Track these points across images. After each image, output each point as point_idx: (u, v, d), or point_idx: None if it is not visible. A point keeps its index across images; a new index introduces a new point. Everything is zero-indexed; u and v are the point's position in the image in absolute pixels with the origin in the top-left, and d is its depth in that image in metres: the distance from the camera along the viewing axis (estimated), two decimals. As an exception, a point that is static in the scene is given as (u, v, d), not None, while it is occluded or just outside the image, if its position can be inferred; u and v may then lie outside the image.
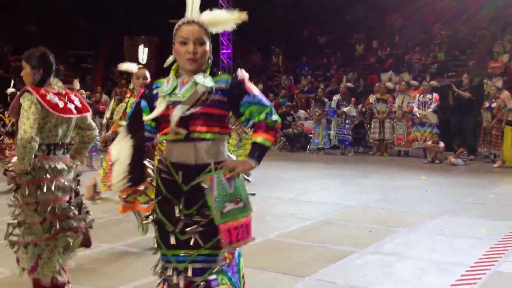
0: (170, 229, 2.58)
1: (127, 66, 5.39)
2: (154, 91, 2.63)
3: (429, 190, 8.34)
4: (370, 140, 13.44)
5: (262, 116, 2.59)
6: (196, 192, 2.56)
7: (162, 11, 25.19)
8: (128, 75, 5.41)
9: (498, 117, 11.10)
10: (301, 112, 15.52)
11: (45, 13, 23.59)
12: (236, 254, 2.76)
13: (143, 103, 2.66)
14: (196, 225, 2.55)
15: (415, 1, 20.04)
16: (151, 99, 2.63)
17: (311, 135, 13.99)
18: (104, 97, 16.76)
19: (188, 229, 2.55)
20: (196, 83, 2.52)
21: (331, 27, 22.11)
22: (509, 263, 4.71)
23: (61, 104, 3.46)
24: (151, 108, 2.62)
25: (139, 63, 5.39)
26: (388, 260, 4.84)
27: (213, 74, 2.60)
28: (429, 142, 11.80)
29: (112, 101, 5.95)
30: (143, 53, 5.64)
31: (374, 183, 9.03)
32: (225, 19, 2.66)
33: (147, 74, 5.23)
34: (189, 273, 2.54)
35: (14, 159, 3.42)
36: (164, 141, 2.69)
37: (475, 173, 10.24)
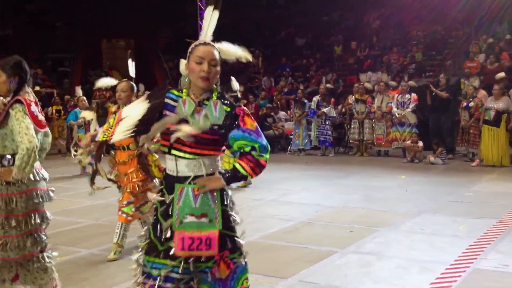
0: (156, 242, 2.69)
1: (104, 83, 5.32)
2: (167, 100, 2.74)
3: (409, 189, 8.40)
4: (350, 141, 13.49)
5: (248, 149, 2.65)
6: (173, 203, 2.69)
7: (139, 15, 25.10)
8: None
9: (476, 116, 11.23)
10: (282, 114, 15.55)
11: (21, 16, 23.30)
12: (239, 270, 2.86)
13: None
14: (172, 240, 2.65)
15: (391, 2, 20.25)
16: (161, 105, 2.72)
17: (291, 136, 14.02)
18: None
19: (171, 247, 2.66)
20: (206, 116, 2.67)
21: (307, 28, 22.21)
22: (488, 260, 4.76)
23: (40, 116, 3.49)
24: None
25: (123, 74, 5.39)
26: (368, 260, 4.86)
27: (221, 97, 2.74)
28: (408, 142, 11.89)
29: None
30: (132, 66, 5.51)
31: (355, 183, 9.07)
32: (235, 53, 2.91)
33: (131, 86, 5.13)
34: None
35: None
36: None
37: (454, 172, 10.35)
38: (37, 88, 13.89)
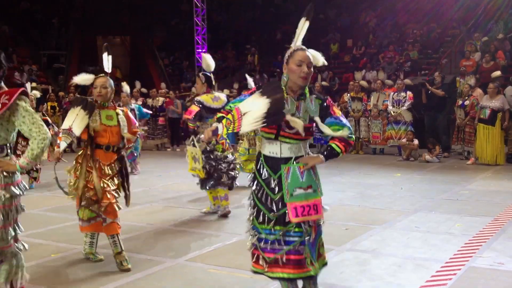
0: (263, 210, 3.37)
1: (82, 79, 4.92)
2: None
3: (404, 187, 8.42)
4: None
5: (340, 132, 3.32)
6: (280, 180, 3.33)
7: (134, 12, 25.04)
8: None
9: (471, 114, 11.25)
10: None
11: (16, 13, 23.23)
12: (319, 232, 3.48)
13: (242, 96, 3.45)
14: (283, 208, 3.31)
15: (388, 1, 20.25)
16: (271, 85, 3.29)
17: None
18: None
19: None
20: (306, 111, 3.36)
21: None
22: (483, 258, 4.77)
23: None
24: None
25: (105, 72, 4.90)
26: (364, 257, 4.86)
27: (310, 92, 3.41)
28: (404, 140, 11.91)
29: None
30: (107, 61, 5.05)
31: (350, 181, 9.07)
32: (319, 59, 3.49)
33: (108, 82, 4.75)
34: (280, 243, 3.32)
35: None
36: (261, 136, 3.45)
37: (449, 170, 10.37)
38: (33, 84, 13.80)
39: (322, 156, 3.38)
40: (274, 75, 19.31)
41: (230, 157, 6.63)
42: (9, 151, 3.40)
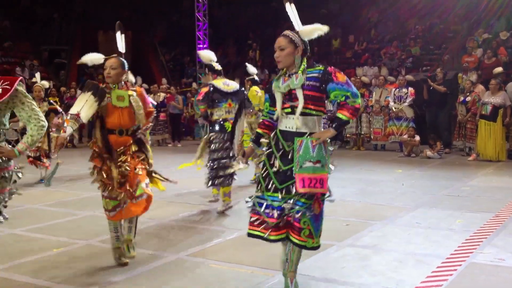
0: (273, 178, 3.63)
1: (91, 59, 4.61)
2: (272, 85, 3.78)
3: (405, 183, 8.42)
4: (347, 135, 13.48)
5: (343, 98, 3.58)
6: (291, 153, 3.58)
7: (136, 7, 25.00)
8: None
9: (473, 110, 11.24)
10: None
11: (17, 8, 23.19)
12: (323, 211, 3.71)
13: (267, 96, 3.87)
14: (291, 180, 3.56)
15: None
16: (271, 91, 3.79)
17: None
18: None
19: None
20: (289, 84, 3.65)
21: (305, 21, 22.13)
22: (484, 254, 4.77)
23: None
24: (272, 98, 3.79)
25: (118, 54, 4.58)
26: (365, 253, 4.87)
27: (310, 66, 3.65)
28: (405, 136, 11.90)
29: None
30: (121, 40, 4.73)
31: (351, 177, 9.07)
32: (313, 31, 3.71)
33: (118, 63, 4.46)
34: (284, 209, 3.57)
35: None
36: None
37: (450, 166, 10.37)
38: (34, 79, 13.79)
39: (332, 128, 3.63)
40: (275, 71, 19.28)
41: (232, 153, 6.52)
42: (4, 136, 3.52)
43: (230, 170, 6.35)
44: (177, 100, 15.59)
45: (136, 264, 4.60)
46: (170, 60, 24.45)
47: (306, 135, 3.58)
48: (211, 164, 6.49)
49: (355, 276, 4.28)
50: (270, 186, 3.62)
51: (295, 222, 3.58)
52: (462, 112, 11.53)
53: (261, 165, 3.78)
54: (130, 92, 4.51)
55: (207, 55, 6.80)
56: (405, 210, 6.57)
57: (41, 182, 8.66)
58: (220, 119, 6.50)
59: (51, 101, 9.88)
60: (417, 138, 11.74)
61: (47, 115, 8.45)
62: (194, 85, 17.85)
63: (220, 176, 6.45)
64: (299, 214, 3.55)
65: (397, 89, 12.39)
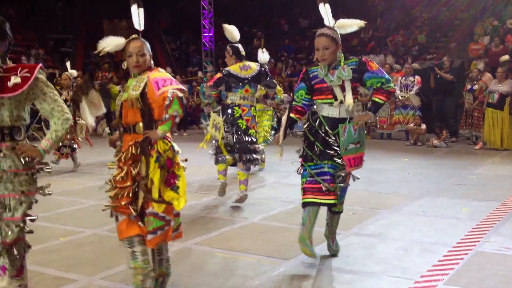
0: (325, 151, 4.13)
1: (112, 43, 3.62)
2: (311, 75, 4.19)
3: (411, 171, 8.40)
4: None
5: (378, 84, 4.07)
6: (338, 134, 4.07)
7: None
8: (110, 59, 4.08)
9: (480, 99, 11.18)
10: (285, 96, 15.47)
11: (22, -3, 23.13)
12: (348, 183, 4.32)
13: (302, 85, 4.23)
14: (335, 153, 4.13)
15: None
16: (309, 81, 4.20)
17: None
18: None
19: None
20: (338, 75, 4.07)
21: (311, 9, 22.02)
22: (491, 243, 4.76)
23: None
24: (309, 87, 4.20)
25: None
26: (370, 241, 4.87)
27: (346, 59, 4.10)
28: (411, 125, 11.86)
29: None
30: (138, 16, 3.83)
31: (357, 166, 9.04)
32: (348, 27, 4.27)
33: (145, 46, 3.52)
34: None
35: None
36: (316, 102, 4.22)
37: (457, 154, 10.33)
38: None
39: (370, 112, 4.14)
40: (281, 60, 19.22)
41: (254, 140, 6.35)
42: (24, 134, 3.13)
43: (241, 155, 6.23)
44: (183, 89, 15.55)
45: (142, 252, 4.61)
46: (176, 49, 24.39)
47: (347, 121, 4.05)
48: (216, 143, 6.35)
49: (361, 264, 4.28)
50: (322, 156, 4.13)
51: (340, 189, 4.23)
52: (469, 100, 11.47)
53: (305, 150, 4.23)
54: (142, 76, 3.47)
55: (234, 34, 6.51)
56: (411, 198, 6.57)
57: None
58: (233, 104, 6.27)
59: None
60: (424, 126, 11.70)
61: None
62: (200, 74, 17.81)
63: (235, 152, 6.26)
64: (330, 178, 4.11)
65: (404, 78, 12.32)
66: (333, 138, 4.10)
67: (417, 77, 12.20)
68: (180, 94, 3.35)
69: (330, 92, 4.08)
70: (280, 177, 8.13)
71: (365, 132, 4.22)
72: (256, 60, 7.05)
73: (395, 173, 8.39)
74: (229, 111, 6.28)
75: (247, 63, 6.37)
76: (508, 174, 8.09)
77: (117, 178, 3.42)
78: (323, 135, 4.12)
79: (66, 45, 23.21)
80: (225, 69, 6.31)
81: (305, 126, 4.28)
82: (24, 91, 2.98)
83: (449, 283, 3.86)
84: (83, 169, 8.97)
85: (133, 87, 3.42)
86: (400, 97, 12.16)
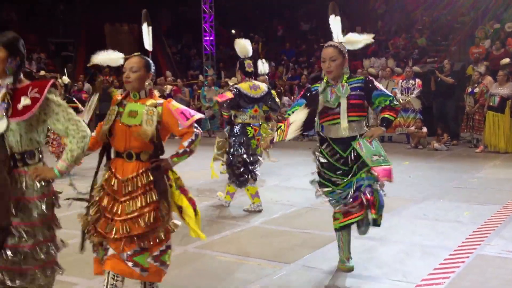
0: (333, 178, 4.10)
1: (105, 59, 3.57)
2: (314, 93, 4.07)
3: (412, 175, 8.39)
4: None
5: (387, 102, 4.03)
6: (351, 154, 4.00)
7: (143, -2, 24.91)
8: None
9: (481, 102, 11.18)
10: (285, 99, 15.49)
11: (23, 0, 23.19)
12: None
13: (302, 101, 4.08)
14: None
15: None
16: (311, 96, 4.07)
17: (294, 122, 13.95)
18: (87, 85, 16.54)
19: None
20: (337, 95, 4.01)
21: (312, 13, 22.06)
22: (492, 246, 4.76)
23: None
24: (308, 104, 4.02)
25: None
26: (371, 245, 4.87)
27: (351, 77, 4.07)
28: (412, 128, 11.85)
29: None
30: (148, 35, 4.03)
31: (358, 169, 9.05)
32: (357, 42, 4.29)
33: (142, 63, 3.35)
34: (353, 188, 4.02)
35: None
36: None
37: (458, 158, 10.33)
38: (42, 72, 13.83)
39: (383, 127, 4.07)
40: (282, 64, 19.24)
41: (259, 157, 6.35)
42: (41, 156, 2.98)
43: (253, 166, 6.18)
44: (184, 93, 15.58)
45: (143, 256, 4.61)
46: (177, 52, 24.43)
47: (358, 137, 3.98)
48: (232, 162, 6.17)
49: (362, 268, 4.28)
50: (335, 180, 4.09)
51: (366, 196, 3.93)
52: (470, 103, 11.47)
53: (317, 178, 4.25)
54: (150, 102, 3.29)
55: (245, 48, 6.30)
56: (412, 201, 6.56)
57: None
58: (243, 123, 6.16)
59: (73, 98, 9.50)
60: (425, 129, 11.69)
61: None
62: (201, 77, 17.83)
63: (241, 174, 6.16)
64: (369, 188, 3.95)
65: (404, 81, 12.32)
66: (346, 161, 4.03)
67: (418, 80, 12.20)
68: (201, 131, 3.49)
69: (336, 112, 4.01)
70: (281, 180, 8.13)
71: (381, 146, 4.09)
72: (255, 66, 6.99)
73: (396, 176, 8.30)
74: (243, 130, 6.15)
75: (256, 82, 6.23)
76: (509, 177, 8.08)
77: (108, 207, 3.32)
78: (335, 161, 4.06)
79: (68, 50, 23.26)
80: (234, 86, 6.11)
81: (317, 153, 4.20)
82: (34, 113, 2.79)
83: (450, 286, 3.86)
84: (83, 173, 8.96)
85: (146, 121, 3.23)
86: (401, 100, 12.14)
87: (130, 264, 3.18)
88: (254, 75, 6.46)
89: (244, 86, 6.06)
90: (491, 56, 13.87)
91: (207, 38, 20.84)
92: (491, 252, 4.61)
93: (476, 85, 11.41)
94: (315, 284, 4.01)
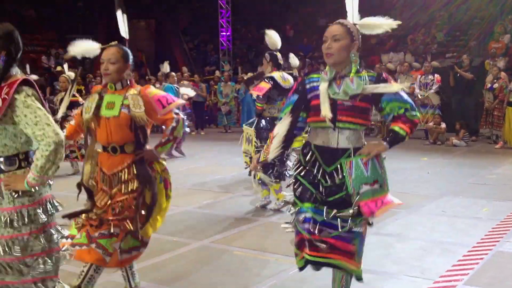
0: (313, 192, 2.97)
1: (80, 49, 3.52)
2: (308, 86, 3.06)
3: (431, 171, 8.33)
4: (372, 122, 13.36)
5: (401, 110, 2.96)
6: (337, 171, 2.93)
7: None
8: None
9: (500, 97, 11.05)
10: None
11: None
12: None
13: (294, 98, 3.07)
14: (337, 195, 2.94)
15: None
16: (304, 93, 3.04)
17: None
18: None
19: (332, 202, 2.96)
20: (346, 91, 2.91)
21: (329, 8, 21.96)
22: (511, 243, 4.70)
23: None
24: (304, 101, 3.02)
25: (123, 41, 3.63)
26: (389, 241, 4.84)
27: (359, 71, 2.95)
28: (431, 124, 11.75)
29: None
30: (123, 23, 3.96)
31: (375, 165, 9.00)
32: (376, 25, 3.14)
33: (120, 54, 3.31)
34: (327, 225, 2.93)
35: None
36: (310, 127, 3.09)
37: (477, 154, 10.22)
38: (58, 68, 13.95)
39: (386, 142, 2.97)
40: (299, 58, 19.18)
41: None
42: (23, 162, 2.58)
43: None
44: (201, 88, 15.62)
45: (160, 251, 4.64)
46: (194, 48, 24.48)
47: (349, 151, 2.94)
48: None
49: (379, 264, 4.26)
50: (308, 196, 3.00)
51: (345, 243, 2.98)
52: (489, 99, 11.34)
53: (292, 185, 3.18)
54: (131, 91, 3.29)
55: (274, 41, 6.18)
56: (430, 198, 6.51)
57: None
58: (271, 117, 5.99)
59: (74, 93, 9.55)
60: (443, 125, 11.59)
61: (70, 108, 7.68)
62: (217, 73, 17.86)
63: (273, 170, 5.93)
64: (352, 234, 2.98)
65: (423, 76, 12.21)
66: (329, 179, 2.95)
67: (436, 75, 12.09)
68: (183, 116, 3.38)
69: None
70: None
71: (384, 166, 3.06)
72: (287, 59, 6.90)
73: (414, 172, 8.33)
74: (265, 124, 6.01)
75: (285, 74, 6.09)
76: (529, 174, 7.99)
77: (101, 203, 3.33)
78: (314, 176, 2.99)
79: (86, 45, 23.44)
80: (268, 76, 5.96)
81: (294, 163, 3.20)
82: (7, 115, 2.47)
83: (469, 283, 3.82)
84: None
85: (133, 105, 3.21)
86: (419, 95, 12.06)
87: (93, 245, 3.21)
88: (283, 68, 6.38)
89: (277, 76, 5.95)
90: (510, 51, 13.70)
91: (224, 33, 20.84)
92: (510, 249, 4.56)
93: (495, 80, 11.28)
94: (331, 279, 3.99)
